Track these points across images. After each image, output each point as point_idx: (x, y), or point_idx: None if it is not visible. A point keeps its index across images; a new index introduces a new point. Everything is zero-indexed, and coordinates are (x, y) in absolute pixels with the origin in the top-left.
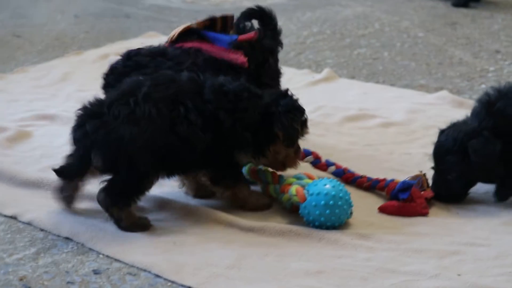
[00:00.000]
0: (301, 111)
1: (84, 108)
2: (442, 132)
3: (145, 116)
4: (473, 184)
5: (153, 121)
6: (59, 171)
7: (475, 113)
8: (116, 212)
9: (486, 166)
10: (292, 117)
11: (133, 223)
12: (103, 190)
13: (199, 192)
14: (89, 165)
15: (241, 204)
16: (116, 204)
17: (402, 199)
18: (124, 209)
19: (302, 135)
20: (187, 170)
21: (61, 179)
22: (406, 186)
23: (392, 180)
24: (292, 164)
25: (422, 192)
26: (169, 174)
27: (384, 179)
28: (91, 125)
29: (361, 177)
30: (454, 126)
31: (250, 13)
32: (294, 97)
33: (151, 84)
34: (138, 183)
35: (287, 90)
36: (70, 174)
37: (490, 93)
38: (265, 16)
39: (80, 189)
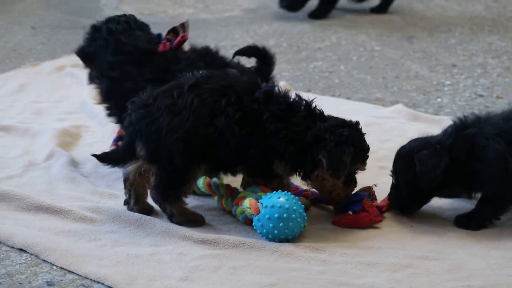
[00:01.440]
0: (358, 146)
1: (135, 99)
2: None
3: (187, 107)
4: (426, 197)
5: (194, 112)
6: (101, 157)
7: (444, 130)
8: (168, 207)
9: (429, 177)
10: (343, 150)
11: (186, 218)
12: (154, 187)
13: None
14: (133, 153)
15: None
16: (166, 200)
17: (354, 211)
18: (175, 203)
19: (354, 170)
20: (227, 165)
21: (104, 164)
22: (358, 198)
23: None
24: (339, 195)
25: (375, 202)
26: (212, 169)
27: None
28: (136, 114)
29: (306, 190)
30: (418, 138)
31: (248, 51)
32: (358, 132)
33: (203, 76)
34: (181, 175)
35: (355, 122)
36: (113, 160)
37: (468, 118)
38: (263, 55)
39: (141, 195)
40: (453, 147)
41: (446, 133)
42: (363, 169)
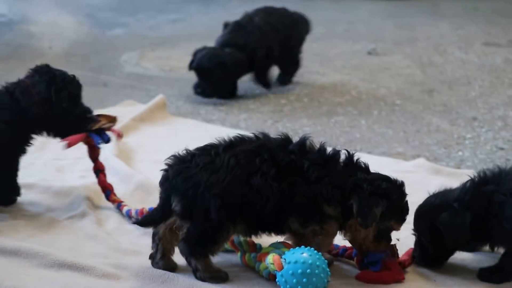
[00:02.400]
0: (394, 203)
1: (173, 156)
2: (428, 196)
3: (224, 165)
4: (450, 251)
5: (231, 171)
6: (142, 223)
7: (463, 185)
8: (194, 262)
9: (457, 238)
10: (376, 200)
11: (210, 274)
12: (183, 240)
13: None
14: (170, 210)
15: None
16: (193, 254)
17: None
18: (201, 259)
19: (388, 226)
20: (274, 222)
21: (145, 227)
22: (375, 260)
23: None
24: (368, 249)
25: (398, 259)
26: (252, 229)
27: (352, 247)
28: (173, 170)
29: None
30: (437, 193)
31: None
32: (399, 190)
33: (234, 139)
34: (213, 234)
35: (400, 182)
36: (153, 221)
37: (486, 174)
38: None
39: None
40: (472, 203)
41: (464, 188)
42: (397, 228)
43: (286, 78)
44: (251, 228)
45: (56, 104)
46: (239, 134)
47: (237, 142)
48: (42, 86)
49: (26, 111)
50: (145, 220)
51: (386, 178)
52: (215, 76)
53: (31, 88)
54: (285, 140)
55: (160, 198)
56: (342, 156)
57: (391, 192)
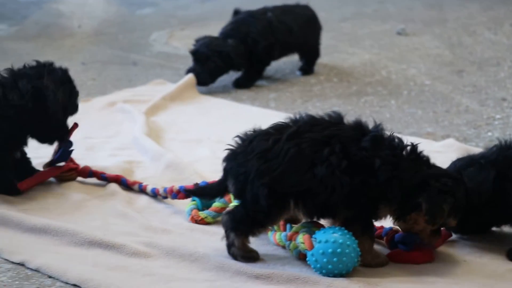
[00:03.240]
0: (457, 199)
1: (240, 135)
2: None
3: (280, 155)
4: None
5: (288, 161)
6: (195, 191)
7: (489, 149)
8: (232, 236)
9: (480, 191)
10: (445, 198)
11: (243, 253)
12: (228, 213)
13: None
14: (226, 188)
15: None
16: (235, 230)
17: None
18: (240, 237)
19: (446, 222)
20: (329, 211)
21: (198, 197)
22: (410, 241)
23: (391, 229)
24: (423, 241)
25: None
26: (309, 212)
27: (381, 227)
28: (232, 151)
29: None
30: (462, 158)
31: None
32: (462, 187)
33: (306, 124)
34: (260, 218)
35: (460, 177)
36: (207, 194)
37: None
38: None
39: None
40: (496, 162)
41: (491, 150)
42: (453, 224)
43: (308, 68)
44: (303, 212)
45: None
46: (310, 115)
47: (307, 127)
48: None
49: None
50: (198, 190)
51: (448, 174)
52: (212, 64)
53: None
54: (358, 128)
55: (222, 175)
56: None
57: (456, 189)
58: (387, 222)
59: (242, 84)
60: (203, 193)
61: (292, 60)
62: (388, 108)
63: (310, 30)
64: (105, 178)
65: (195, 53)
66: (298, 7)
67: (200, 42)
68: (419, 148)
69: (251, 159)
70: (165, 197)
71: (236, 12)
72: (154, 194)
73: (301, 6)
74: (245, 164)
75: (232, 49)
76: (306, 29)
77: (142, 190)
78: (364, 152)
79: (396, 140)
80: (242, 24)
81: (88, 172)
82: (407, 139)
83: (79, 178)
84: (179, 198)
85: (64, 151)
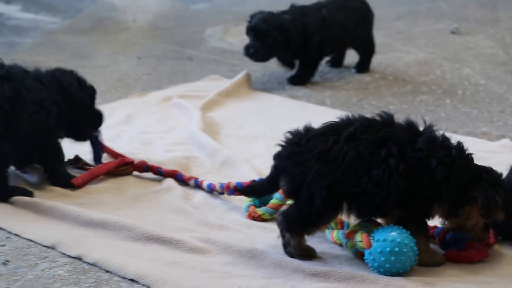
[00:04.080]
0: (504, 193)
1: (291, 133)
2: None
3: (340, 157)
4: None
5: (347, 164)
6: (245, 191)
7: None
8: (287, 236)
9: None
10: (497, 191)
11: (299, 252)
12: (283, 213)
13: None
14: (277, 186)
15: None
16: (290, 230)
17: (457, 249)
18: (295, 236)
19: (495, 216)
20: (381, 211)
21: (248, 196)
22: (459, 239)
23: (442, 229)
24: (476, 235)
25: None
26: (361, 213)
27: (434, 227)
28: (286, 150)
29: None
30: None
31: None
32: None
33: (361, 125)
34: (315, 218)
35: (493, 170)
36: (257, 192)
37: None
38: None
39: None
40: None
41: None
42: (501, 218)
43: (364, 66)
44: (355, 213)
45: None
46: (363, 116)
47: (362, 129)
48: None
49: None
50: (248, 189)
51: (492, 169)
52: (271, 39)
53: None
54: (411, 129)
55: (270, 172)
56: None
57: (503, 183)
58: (435, 222)
59: (298, 80)
60: (253, 191)
61: (347, 57)
62: (443, 107)
63: (365, 25)
64: (161, 173)
65: (253, 29)
66: (353, 1)
67: (256, 17)
68: (465, 146)
69: (310, 159)
70: (222, 193)
71: (291, 6)
72: (211, 190)
73: (355, 0)
74: (302, 164)
75: (290, 22)
76: (360, 24)
77: (198, 185)
78: (420, 153)
79: (448, 139)
80: (299, 14)
81: (144, 167)
82: (463, 139)
83: (135, 173)
84: (236, 195)
85: (95, 146)
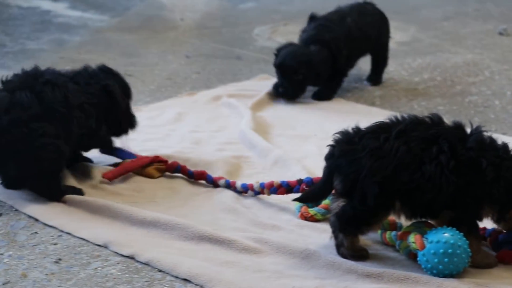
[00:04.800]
0: None
1: (341, 132)
2: None
3: (392, 153)
4: None
5: (398, 158)
6: (302, 199)
7: None
8: (341, 237)
9: None
10: None
11: (352, 253)
12: (336, 213)
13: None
14: (331, 187)
15: None
16: (343, 230)
17: (510, 250)
18: (349, 236)
19: None
20: (431, 210)
21: (307, 203)
22: (511, 240)
23: (494, 230)
24: None
25: None
26: (405, 213)
27: (484, 228)
28: (339, 149)
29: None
30: None
31: None
32: None
33: (411, 123)
34: (368, 217)
35: None
36: (315, 198)
37: None
38: None
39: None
40: None
41: None
42: None
43: (377, 77)
44: (407, 212)
45: None
46: (412, 115)
47: (412, 126)
48: None
49: None
50: (306, 196)
51: None
52: (300, 76)
53: None
54: (460, 129)
55: (324, 173)
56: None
57: None
58: (485, 223)
59: (323, 96)
60: (310, 197)
61: (396, 58)
62: (492, 108)
63: (384, 33)
64: (191, 174)
65: (280, 66)
66: (369, 5)
67: (283, 52)
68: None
69: (363, 156)
70: (258, 193)
71: (312, 18)
72: (245, 189)
73: (370, 5)
74: (355, 162)
75: (318, 55)
76: (381, 32)
77: (229, 185)
78: (471, 152)
79: (495, 140)
80: (324, 30)
81: (175, 167)
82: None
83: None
84: (279, 193)
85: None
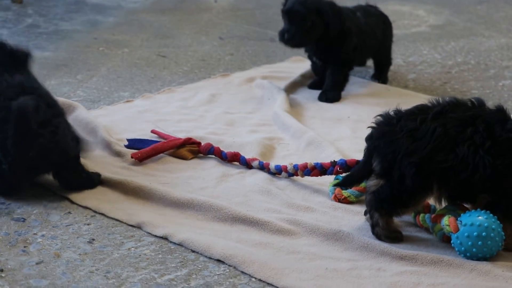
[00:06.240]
0: None
1: (381, 114)
2: None
3: (428, 134)
4: None
5: (435, 140)
6: (342, 183)
7: None
8: (376, 216)
9: None
10: None
11: (387, 233)
12: (373, 192)
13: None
14: (370, 169)
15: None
16: (379, 210)
17: None
18: (385, 217)
19: None
20: (468, 193)
21: (349, 186)
22: None
23: None
24: None
25: None
26: (449, 195)
27: None
28: (377, 131)
29: None
30: None
31: None
32: None
33: (449, 104)
34: (406, 198)
35: None
36: (356, 180)
37: None
38: None
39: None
40: None
41: None
42: None
43: (383, 76)
44: (445, 195)
45: None
46: (453, 98)
47: (450, 108)
48: None
49: None
50: (346, 180)
51: None
52: (309, 23)
53: None
54: (501, 112)
55: (364, 155)
56: None
57: None
58: None
59: (331, 97)
60: (351, 181)
61: (429, 42)
62: None
63: (389, 35)
64: (225, 156)
65: (288, 12)
66: (373, 7)
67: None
68: None
69: (400, 138)
70: (292, 175)
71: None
72: (279, 171)
73: (374, 8)
74: (393, 143)
75: (327, 7)
76: (385, 34)
77: (262, 167)
78: (510, 134)
79: None
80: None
81: (209, 149)
82: None
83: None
84: (313, 175)
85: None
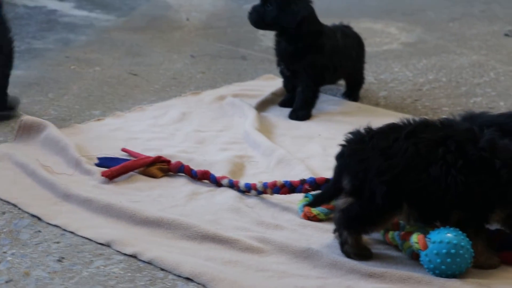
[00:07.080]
0: None
1: (353, 133)
2: None
3: (400, 153)
4: None
5: (407, 159)
6: (314, 203)
7: None
8: (345, 234)
9: None
10: None
11: (356, 251)
12: (341, 210)
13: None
14: (341, 187)
15: None
16: (348, 228)
17: None
18: (354, 234)
19: None
20: (440, 213)
21: (318, 206)
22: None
23: (498, 231)
24: None
25: None
26: (412, 216)
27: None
28: (348, 148)
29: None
30: None
31: None
32: None
33: (419, 124)
34: (375, 216)
35: None
36: (325, 199)
37: None
38: None
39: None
40: None
41: None
42: None
43: (355, 94)
44: (414, 215)
45: None
46: (423, 118)
47: (421, 128)
48: None
49: None
50: (317, 200)
51: None
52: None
53: None
54: (470, 132)
55: (334, 174)
56: None
57: None
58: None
59: (301, 115)
60: (321, 200)
61: (401, 59)
62: (497, 110)
63: (361, 57)
64: (195, 174)
65: None
66: (348, 28)
67: None
68: None
69: (372, 156)
70: (261, 192)
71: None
72: (248, 189)
73: (349, 28)
74: (364, 161)
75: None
76: (358, 56)
77: (232, 185)
78: (483, 153)
79: (509, 143)
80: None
81: (179, 167)
82: None
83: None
84: (282, 193)
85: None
